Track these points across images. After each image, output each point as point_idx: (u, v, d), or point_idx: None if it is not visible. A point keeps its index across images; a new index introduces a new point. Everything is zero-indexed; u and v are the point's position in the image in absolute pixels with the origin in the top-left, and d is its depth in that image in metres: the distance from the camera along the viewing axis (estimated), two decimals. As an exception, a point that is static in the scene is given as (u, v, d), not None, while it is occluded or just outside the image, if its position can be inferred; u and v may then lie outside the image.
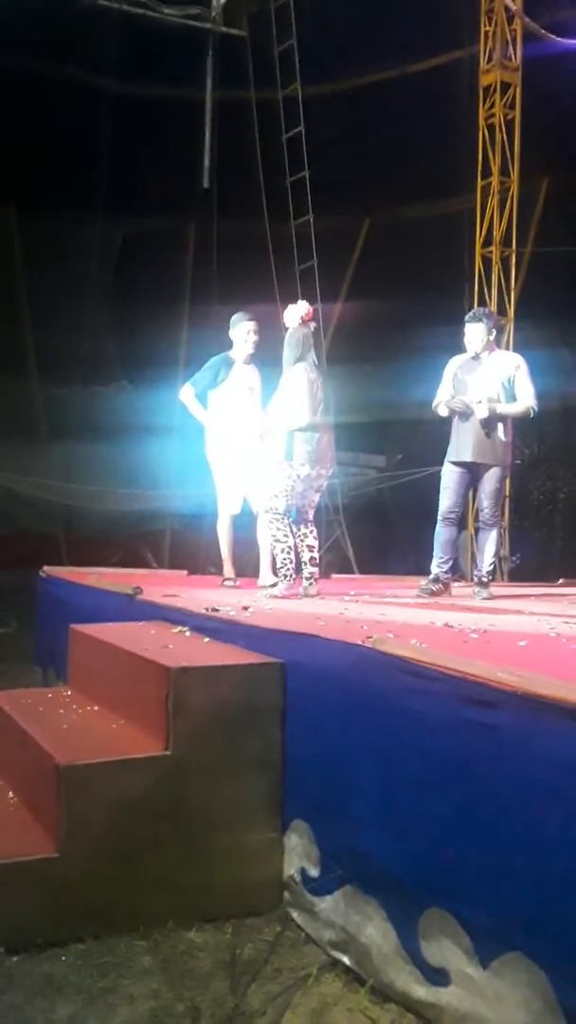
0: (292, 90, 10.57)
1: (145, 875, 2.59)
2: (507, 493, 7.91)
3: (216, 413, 5.55)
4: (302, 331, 4.88)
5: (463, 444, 5.16)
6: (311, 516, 4.99)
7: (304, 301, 5.07)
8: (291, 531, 4.82)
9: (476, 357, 5.24)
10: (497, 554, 5.63)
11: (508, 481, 5.91)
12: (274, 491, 4.78)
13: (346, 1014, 2.20)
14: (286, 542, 4.78)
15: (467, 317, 5.37)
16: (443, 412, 5.27)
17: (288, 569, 4.79)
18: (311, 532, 4.94)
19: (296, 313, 4.91)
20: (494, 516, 5.38)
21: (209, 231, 11.52)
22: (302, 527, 4.91)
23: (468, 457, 5.15)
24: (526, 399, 5.14)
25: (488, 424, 5.09)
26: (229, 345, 5.69)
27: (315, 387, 4.77)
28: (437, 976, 2.10)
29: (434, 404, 5.33)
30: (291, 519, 4.85)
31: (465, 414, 5.11)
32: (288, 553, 4.78)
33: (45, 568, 6.16)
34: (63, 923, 2.48)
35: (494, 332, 5.40)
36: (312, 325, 4.98)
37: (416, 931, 2.17)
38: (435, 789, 2.18)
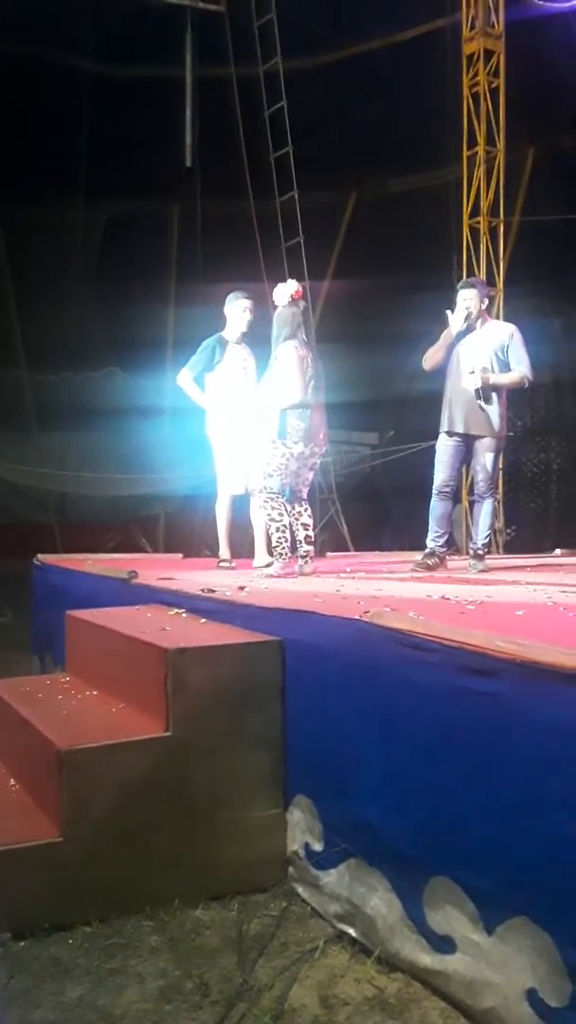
0: (273, 65, 10.45)
1: (149, 856, 2.59)
2: (501, 465, 7.90)
3: (214, 395, 5.52)
4: (291, 309, 4.84)
5: (456, 415, 5.12)
6: (305, 494, 4.97)
7: (293, 280, 5.03)
8: (286, 510, 4.81)
9: (469, 327, 5.19)
10: (492, 526, 5.62)
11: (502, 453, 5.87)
12: (268, 470, 4.76)
13: (353, 984, 2.21)
14: (281, 521, 4.77)
15: (459, 284, 5.32)
16: (427, 365, 5.22)
17: (284, 548, 4.77)
18: (305, 510, 4.92)
19: (286, 292, 4.87)
20: (489, 488, 5.36)
21: (193, 211, 11.44)
22: (296, 505, 4.89)
23: (461, 428, 5.12)
24: (520, 368, 5.10)
25: (482, 395, 5.05)
26: (218, 325, 5.64)
27: (305, 364, 4.74)
28: (443, 944, 2.11)
29: (423, 359, 5.28)
30: (285, 498, 4.84)
31: (458, 336, 5.05)
32: (283, 532, 4.77)
33: (39, 556, 6.14)
34: (69, 906, 2.48)
35: (486, 301, 5.35)
36: (301, 304, 4.94)
37: (421, 900, 2.17)
38: (436, 759, 2.18)
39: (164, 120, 11.09)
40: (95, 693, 3.32)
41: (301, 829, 2.69)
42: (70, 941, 2.41)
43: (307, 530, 4.87)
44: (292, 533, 4.85)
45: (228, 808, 2.71)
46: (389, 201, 12.39)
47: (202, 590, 3.69)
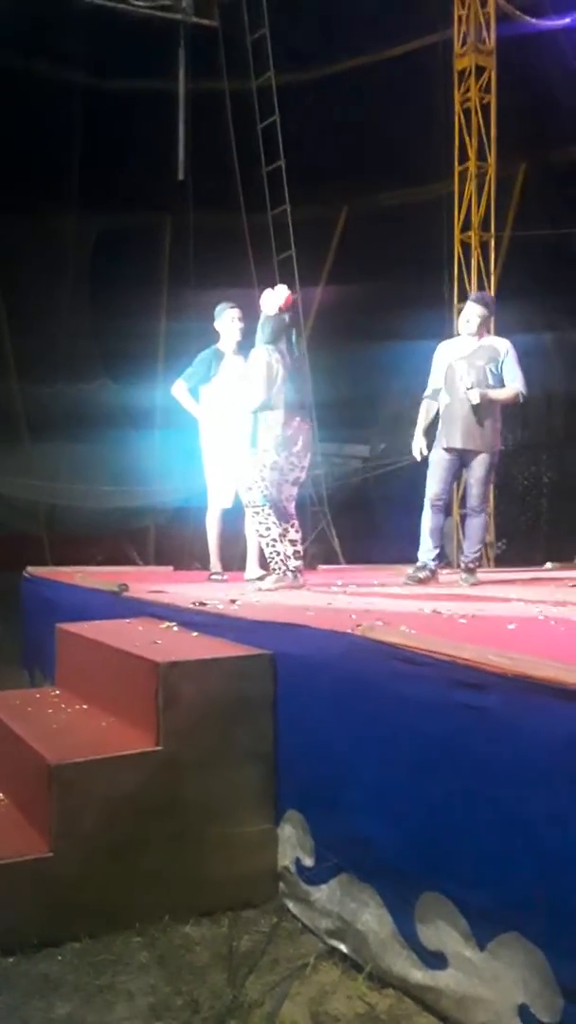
0: (266, 79, 10.52)
1: (140, 871, 2.57)
2: (493, 479, 7.94)
3: (208, 406, 5.52)
4: (277, 318, 4.76)
5: (452, 430, 5.14)
6: (291, 510, 4.84)
7: (283, 286, 4.85)
8: (273, 522, 4.71)
9: (466, 342, 5.22)
10: (483, 540, 5.63)
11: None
12: (247, 483, 4.71)
13: (344, 1001, 2.19)
14: (269, 535, 4.70)
15: (471, 296, 5.35)
16: (432, 409, 5.25)
17: (277, 562, 4.73)
18: (292, 527, 4.79)
19: (273, 301, 4.75)
20: (482, 502, 5.38)
21: (185, 224, 11.47)
22: (282, 523, 4.75)
23: (458, 443, 5.14)
24: (515, 384, 5.13)
25: (479, 410, 5.07)
26: (210, 338, 5.65)
27: (273, 370, 4.60)
28: (434, 959, 2.10)
29: (425, 394, 5.30)
30: (271, 510, 4.70)
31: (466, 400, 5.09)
32: (273, 545, 4.71)
33: (29, 568, 6.11)
34: (58, 922, 2.46)
35: (491, 320, 5.39)
36: (288, 315, 4.83)
37: (412, 915, 2.17)
38: (428, 773, 2.17)
39: (157, 134, 11.13)
40: (85, 707, 3.30)
41: (292, 844, 2.68)
42: (59, 957, 2.38)
43: (295, 546, 4.79)
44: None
45: (219, 823, 2.70)
46: (380, 215, 12.47)
47: (193, 603, 3.68)
